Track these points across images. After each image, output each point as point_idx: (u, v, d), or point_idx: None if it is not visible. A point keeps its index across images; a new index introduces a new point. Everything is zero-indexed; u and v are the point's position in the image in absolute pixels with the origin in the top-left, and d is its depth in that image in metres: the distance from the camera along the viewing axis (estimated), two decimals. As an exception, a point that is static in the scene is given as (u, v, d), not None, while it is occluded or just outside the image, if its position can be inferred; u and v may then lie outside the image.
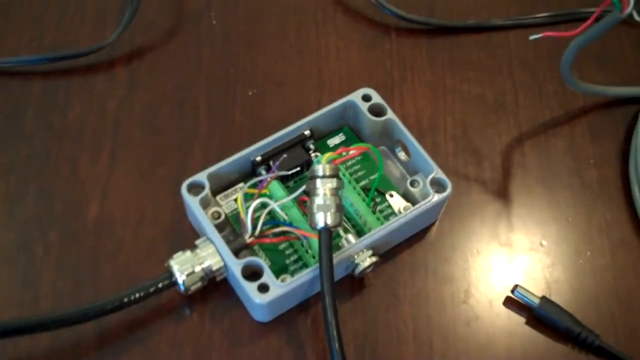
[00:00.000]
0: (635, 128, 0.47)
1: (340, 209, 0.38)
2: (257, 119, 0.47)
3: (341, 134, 0.45)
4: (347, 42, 0.51)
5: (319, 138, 0.45)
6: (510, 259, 0.43)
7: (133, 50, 0.49)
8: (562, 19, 0.52)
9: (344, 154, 0.41)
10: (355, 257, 0.40)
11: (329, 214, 0.37)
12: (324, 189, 0.38)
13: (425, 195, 0.42)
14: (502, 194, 0.46)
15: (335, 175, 0.38)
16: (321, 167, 0.38)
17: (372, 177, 0.44)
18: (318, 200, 0.38)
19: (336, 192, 0.38)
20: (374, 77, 0.49)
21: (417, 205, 0.41)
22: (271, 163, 0.42)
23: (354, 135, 0.45)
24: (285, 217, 0.41)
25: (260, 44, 0.50)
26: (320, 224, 0.37)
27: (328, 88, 0.49)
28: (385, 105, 0.44)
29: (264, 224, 0.40)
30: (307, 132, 0.43)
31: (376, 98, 0.44)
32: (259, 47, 0.50)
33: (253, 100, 0.48)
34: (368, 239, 0.40)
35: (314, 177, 0.38)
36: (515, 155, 0.47)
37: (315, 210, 0.38)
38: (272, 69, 0.49)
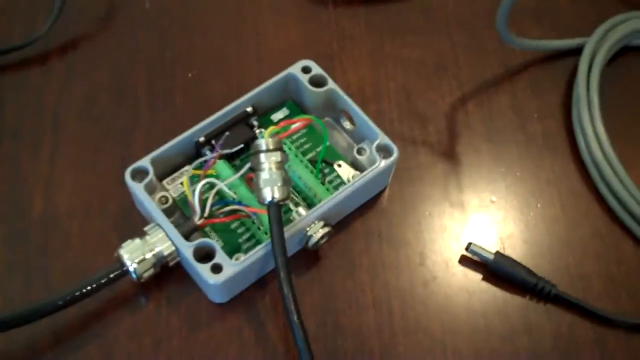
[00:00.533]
0: (576, 79, 0.47)
1: (287, 182, 0.38)
2: (199, 100, 0.46)
3: (285, 109, 0.45)
4: (284, 17, 0.50)
5: (263, 114, 0.44)
6: (462, 219, 0.44)
7: (67, 41, 0.48)
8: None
9: (287, 127, 0.41)
10: (308, 229, 0.40)
11: (275, 187, 0.37)
12: (268, 163, 0.38)
13: (372, 162, 0.42)
14: (450, 155, 0.46)
15: (279, 148, 0.38)
16: (264, 141, 0.38)
17: (319, 148, 0.44)
18: (264, 175, 0.37)
19: (281, 165, 0.38)
20: (314, 50, 0.49)
21: (364, 172, 0.41)
22: (217, 142, 0.42)
23: (298, 109, 0.45)
24: (234, 196, 0.41)
25: (195, 24, 0.49)
26: (268, 198, 0.37)
27: (268, 64, 0.48)
28: (326, 75, 0.43)
29: (212, 204, 0.40)
30: (249, 109, 0.43)
31: (316, 69, 0.44)
32: (195, 28, 0.49)
33: (193, 82, 0.47)
34: (319, 210, 0.40)
35: (257, 152, 0.38)
36: (459, 116, 0.47)
37: (261, 186, 0.37)
38: (210, 49, 0.49)
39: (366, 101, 0.47)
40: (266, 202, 0.37)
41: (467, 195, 0.44)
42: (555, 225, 0.44)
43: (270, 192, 0.37)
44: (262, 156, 0.38)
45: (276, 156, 0.38)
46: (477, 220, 0.44)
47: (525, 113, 0.47)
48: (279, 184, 0.37)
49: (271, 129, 0.39)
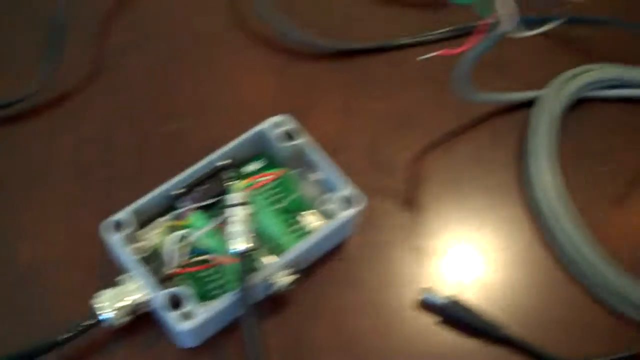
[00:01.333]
0: (527, 131, 0.50)
1: (255, 232, 0.41)
2: (180, 152, 0.49)
3: (261, 160, 0.47)
4: (259, 71, 0.53)
5: (239, 165, 0.47)
6: (424, 264, 0.46)
7: (54, 97, 0.51)
8: (461, 32, 0.55)
9: (256, 181, 0.44)
10: (275, 276, 0.42)
11: (244, 238, 0.40)
12: (237, 215, 0.40)
13: (340, 211, 0.44)
14: (414, 203, 0.48)
15: (246, 202, 0.41)
16: (233, 195, 0.41)
17: (290, 198, 0.46)
18: (233, 227, 0.40)
19: (249, 217, 0.41)
20: (286, 103, 0.51)
21: (330, 222, 0.44)
22: (192, 194, 0.44)
23: (272, 161, 0.48)
24: (207, 246, 0.43)
25: (177, 80, 0.53)
26: (237, 248, 0.40)
27: (244, 117, 0.50)
28: (297, 129, 0.46)
29: (185, 254, 0.42)
30: (223, 162, 0.45)
31: (286, 124, 0.46)
32: (177, 84, 0.52)
33: (174, 135, 0.50)
34: (285, 258, 0.42)
35: (227, 206, 0.41)
36: (424, 166, 0.50)
37: (230, 237, 0.40)
38: (190, 102, 0.52)
39: (335, 152, 0.49)
40: (235, 251, 0.40)
41: (429, 242, 0.47)
42: (512, 271, 0.46)
43: (239, 242, 0.40)
44: (231, 209, 0.40)
45: (245, 209, 0.41)
46: (438, 266, 0.46)
47: (485, 163, 0.50)
48: (247, 235, 0.40)
49: (242, 183, 0.42)
